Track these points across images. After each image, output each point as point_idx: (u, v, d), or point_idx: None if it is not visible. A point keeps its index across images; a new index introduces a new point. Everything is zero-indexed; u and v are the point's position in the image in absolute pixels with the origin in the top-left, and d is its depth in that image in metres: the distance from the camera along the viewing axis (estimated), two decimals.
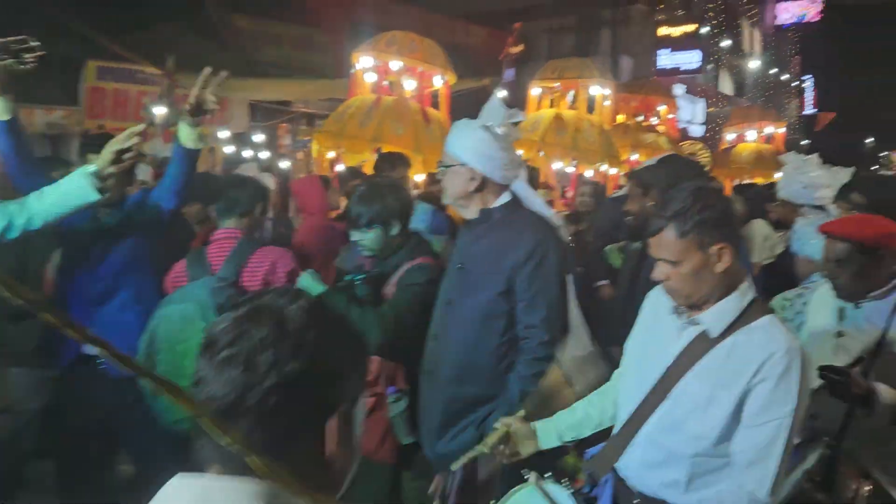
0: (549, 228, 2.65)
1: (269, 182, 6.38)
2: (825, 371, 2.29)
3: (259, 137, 10.92)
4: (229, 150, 10.81)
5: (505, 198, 2.64)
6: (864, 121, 46.52)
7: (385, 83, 7.02)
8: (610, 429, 2.17)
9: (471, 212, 2.68)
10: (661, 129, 9.99)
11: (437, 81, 7.19)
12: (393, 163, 4.85)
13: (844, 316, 2.62)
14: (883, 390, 2.26)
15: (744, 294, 1.86)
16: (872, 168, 28.61)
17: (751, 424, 1.77)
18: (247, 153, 11.14)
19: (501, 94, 11.66)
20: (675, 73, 22.47)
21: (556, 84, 8.23)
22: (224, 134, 10.44)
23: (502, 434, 2.17)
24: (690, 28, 21.91)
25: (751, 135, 11.10)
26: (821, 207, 4.09)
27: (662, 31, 22.20)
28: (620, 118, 10.06)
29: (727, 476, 1.83)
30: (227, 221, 3.09)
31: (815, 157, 3.81)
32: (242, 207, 3.10)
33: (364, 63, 6.96)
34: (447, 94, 7.19)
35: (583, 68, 8.30)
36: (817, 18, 30.98)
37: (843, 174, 4.16)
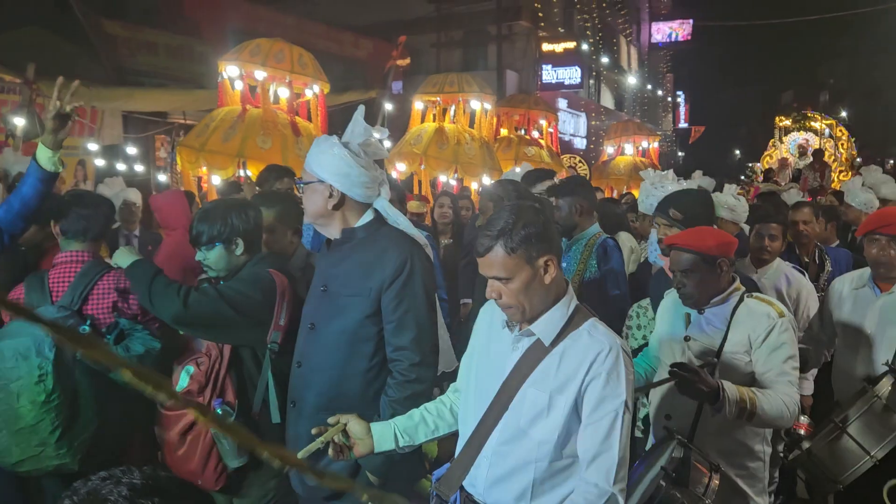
0: (414, 246, 2.60)
1: (135, 197, 6.06)
2: (676, 368, 2.45)
3: (132, 150, 10.38)
4: (100, 163, 10.23)
5: (368, 216, 2.59)
6: (731, 134, 49.85)
7: (255, 92, 6.72)
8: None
9: (332, 231, 2.61)
10: (542, 142, 10.25)
11: (312, 92, 6.98)
12: (279, 174, 4.70)
13: (690, 321, 2.78)
14: (728, 387, 2.43)
15: (568, 302, 1.98)
16: (742, 178, 30.59)
17: (589, 422, 1.88)
18: (120, 166, 10.58)
19: (388, 106, 11.67)
20: (558, 87, 23.23)
21: (437, 98, 8.30)
22: (94, 146, 9.87)
23: (339, 430, 2.12)
24: (571, 45, 22.73)
25: (629, 148, 11.58)
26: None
27: (546, 47, 22.90)
28: (504, 132, 10.25)
29: (573, 476, 1.92)
30: (71, 244, 2.88)
31: (670, 173, 4.01)
32: (89, 229, 2.88)
33: (230, 72, 6.66)
34: (321, 105, 7.00)
35: (462, 83, 8.43)
36: (687, 38, 32.87)
37: (742, 203, 4.45)
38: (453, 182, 7.99)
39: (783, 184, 14.89)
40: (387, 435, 2.15)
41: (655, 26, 33.42)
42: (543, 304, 1.94)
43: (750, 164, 36.12)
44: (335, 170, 2.49)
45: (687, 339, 2.78)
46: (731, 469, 2.59)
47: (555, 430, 1.90)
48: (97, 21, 12.97)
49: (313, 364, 2.56)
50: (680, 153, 40.44)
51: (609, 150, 11.80)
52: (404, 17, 21.45)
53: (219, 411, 2.62)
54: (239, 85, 6.72)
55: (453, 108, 8.31)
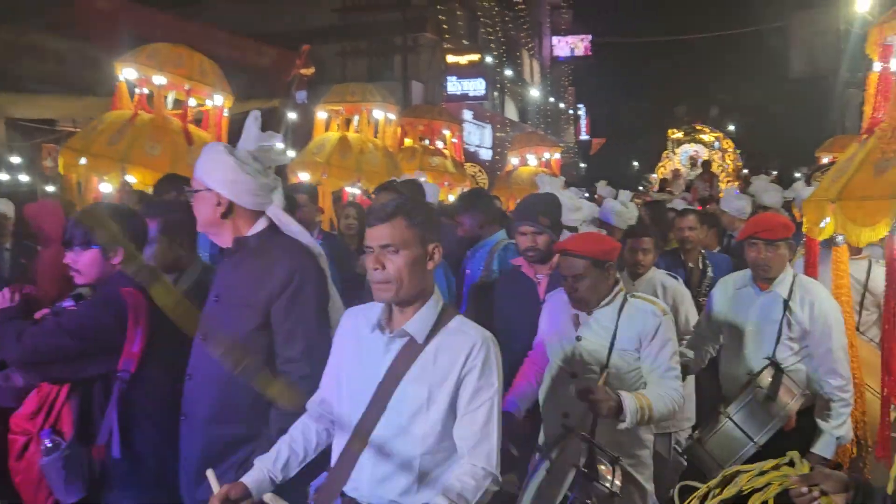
0: (307, 256, 2.58)
1: (6, 209, 5.76)
2: (583, 394, 2.62)
3: (17, 159, 9.84)
4: None
5: (260, 225, 2.56)
6: (630, 146, 51.88)
7: (144, 94, 6.44)
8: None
9: (224, 240, 2.57)
10: (447, 152, 10.39)
11: (216, 100, 6.80)
12: (176, 184, 4.56)
13: (580, 322, 2.97)
14: (628, 400, 2.63)
15: (437, 300, 2.10)
16: (639, 188, 31.92)
17: (467, 411, 2.01)
18: (2, 176, 10.02)
19: (292, 115, 11.55)
20: (463, 99, 23.56)
21: (341, 108, 8.31)
22: None
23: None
24: (475, 57, 23.13)
25: (532, 159, 11.86)
26: (574, 228, 4.48)
27: (451, 58, 23.21)
28: (409, 142, 10.34)
29: (454, 463, 2.04)
30: None
31: (561, 181, 4.21)
32: None
33: (127, 75, 6.40)
34: (219, 114, 6.82)
35: (365, 93, 8.47)
36: (587, 53, 34.06)
37: (586, 203, 4.70)
38: (357, 191, 8.00)
39: (677, 193, 15.68)
40: (263, 482, 2.13)
41: (556, 40, 34.48)
42: (416, 289, 2.03)
43: (647, 175, 37.76)
44: (222, 177, 2.47)
45: (579, 339, 2.96)
46: (625, 459, 2.76)
47: (437, 423, 2.01)
48: None
49: (203, 376, 2.51)
50: (582, 164, 41.78)
51: (513, 160, 12.07)
52: (309, 26, 21.27)
53: (46, 443, 2.44)
54: (136, 88, 6.45)
55: (357, 118, 8.33)
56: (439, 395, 2.02)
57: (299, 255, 2.57)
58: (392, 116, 8.77)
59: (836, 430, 3.24)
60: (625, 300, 2.92)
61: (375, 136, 8.56)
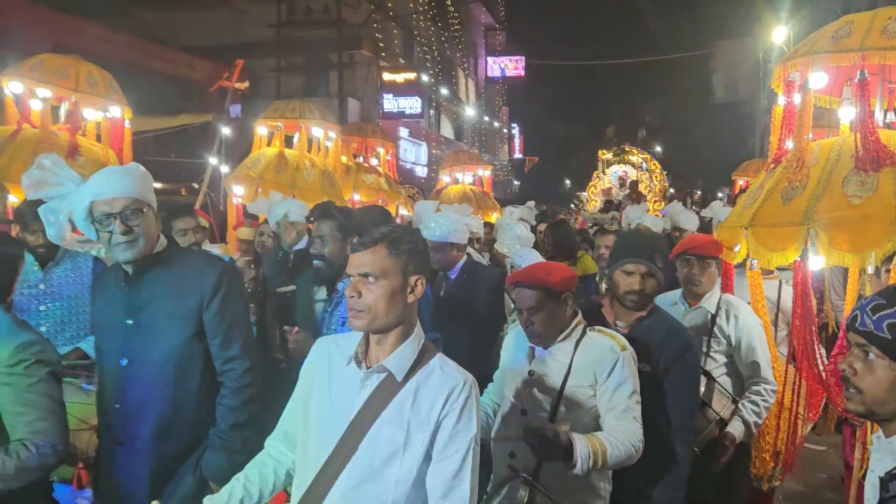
0: (224, 263, 2.72)
1: None
2: (532, 439, 2.42)
3: None
4: None
5: (162, 242, 2.58)
6: (563, 164, 53.06)
7: (29, 108, 6.20)
8: None
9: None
10: (381, 169, 10.39)
11: (113, 112, 6.58)
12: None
13: (534, 356, 2.77)
14: (580, 445, 2.41)
15: (418, 338, 1.96)
16: (570, 206, 32.68)
17: (442, 457, 1.87)
18: None
19: (226, 130, 11.41)
20: (400, 116, 23.74)
21: (279, 124, 8.27)
22: None
23: None
24: (411, 76, 23.35)
25: (467, 177, 12.00)
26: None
27: (387, 76, 23.36)
28: (344, 159, 10.31)
29: None
30: None
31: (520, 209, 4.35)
32: None
33: (13, 88, 6.14)
34: (118, 126, 6.63)
35: (304, 110, 8.43)
36: (520, 74, 34.79)
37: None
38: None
39: (607, 213, 16.17)
40: None
41: (491, 60, 35.09)
42: (392, 321, 1.91)
43: (578, 194, 38.64)
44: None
45: (531, 373, 2.75)
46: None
47: (412, 468, 1.86)
48: None
49: (139, 400, 2.49)
50: (516, 182, 42.49)
51: (445, 178, 12.19)
52: (244, 40, 21.08)
53: None
54: (37, 105, 6.18)
55: (297, 135, 8.33)
56: (417, 438, 1.87)
57: (218, 261, 2.70)
58: (332, 135, 8.78)
59: (749, 414, 3.39)
60: (583, 334, 2.72)
61: (317, 154, 8.56)
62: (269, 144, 8.34)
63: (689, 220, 6.85)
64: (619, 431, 2.53)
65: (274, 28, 22.07)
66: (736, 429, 3.38)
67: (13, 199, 5.59)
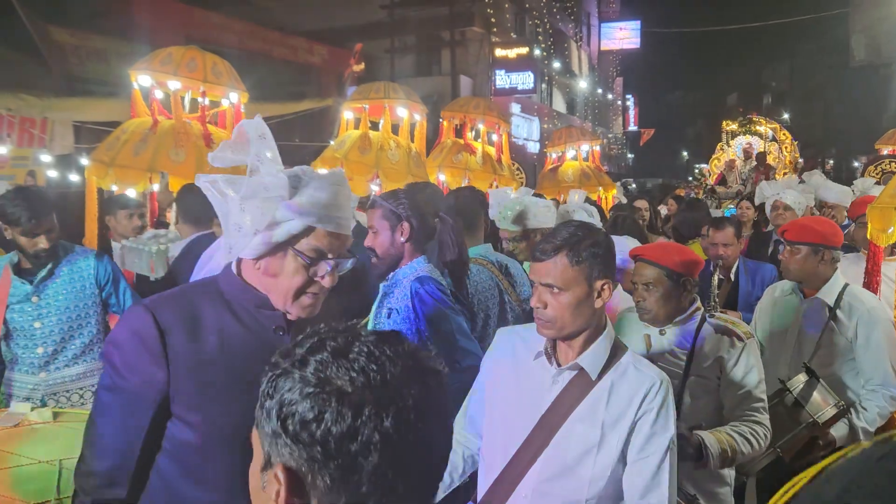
0: None
1: None
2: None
3: (86, 161, 10.20)
4: (53, 174, 10.03)
5: None
6: (680, 136, 51.06)
7: (158, 100, 6.49)
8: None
9: None
10: (478, 146, 10.01)
11: (232, 98, 6.81)
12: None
13: (651, 343, 2.69)
14: (710, 443, 2.34)
15: (610, 334, 1.93)
16: (689, 179, 31.43)
17: (639, 457, 1.84)
18: (74, 177, 10.38)
19: (348, 114, 11.67)
20: (512, 92, 23.50)
21: (365, 105, 8.35)
22: (47, 157, 9.67)
23: None
24: (524, 50, 23.02)
25: (571, 153, 11.70)
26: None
27: (499, 52, 23.14)
28: (448, 140, 10.12)
29: None
30: None
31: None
32: None
33: (142, 82, 6.46)
34: (236, 113, 6.87)
35: (388, 90, 8.45)
36: (636, 46, 33.58)
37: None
38: (375, 188, 8.06)
39: (732, 185, 15.37)
40: None
41: (605, 34, 34.01)
42: (584, 328, 1.88)
43: (698, 166, 37.08)
44: None
45: (650, 360, 2.54)
46: (702, 497, 2.53)
47: (608, 467, 1.84)
48: (44, 28, 12.68)
49: None
50: (630, 155, 41.31)
51: (553, 155, 11.89)
52: (357, 23, 21.47)
53: None
54: (152, 94, 6.49)
55: (382, 119, 8.38)
56: (612, 437, 1.85)
57: None
58: (418, 116, 8.77)
59: (859, 420, 3.01)
60: (702, 320, 2.62)
61: (403, 135, 8.57)
62: (357, 128, 8.42)
63: (840, 194, 5.95)
64: (748, 423, 2.45)
65: (387, 9, 22.30)
66: (839, 432, 2.98)
67: (156, 188, 5.99)
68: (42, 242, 3.09)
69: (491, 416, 2.01)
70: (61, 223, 3.32)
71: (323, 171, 1.57)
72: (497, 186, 9.61)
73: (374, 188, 8.11)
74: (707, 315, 2.66)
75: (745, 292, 4.29)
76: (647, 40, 33.96)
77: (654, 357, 2.63)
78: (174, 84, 6.37)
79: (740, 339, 2.55)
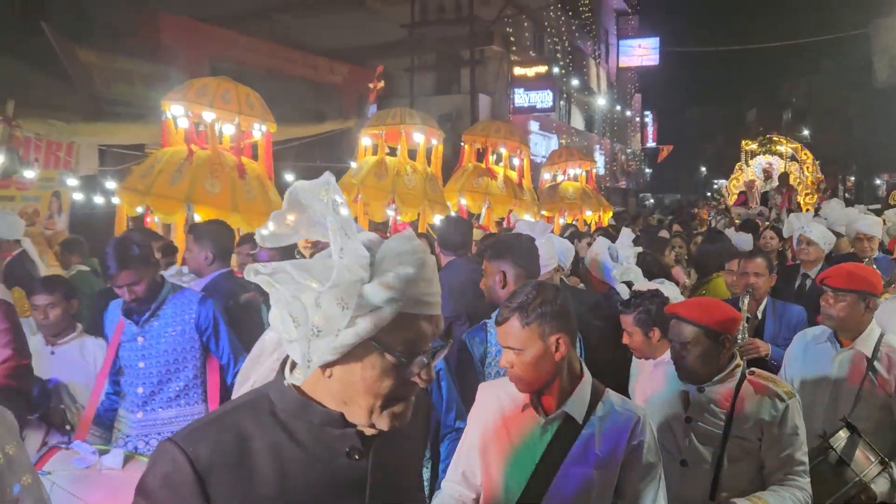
0: None
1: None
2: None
3: (111, 183, 10.33)
4: (78, 196, 10.15)
5: None
6: (698, 151, 50.84)
7: (195, 130, 6.51)
8: None
9: None
10: (500, 171, 10.01)
11: (257, 132, 6.86)
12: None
13: (689, 401, 2.64)
14: None
15: (588, 379, 2.08)
16: (707, 195, 31.24)
17: (635, 490, 2.02)
18: (98, 199, 10.52)
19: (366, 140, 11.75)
20: (531, 111, 23.52)
21: (381, 132, 8.42)
22: (73, 181, 9.83)
23: None
24: (542, 69, 23.06)
25: (571, 171, 11.68)
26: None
27: (517, 71, 23.20)
28: (470, 164, 10.14)
29: None
30: None
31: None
32: None
33: (175, 111, 6.49)
34: (267, 144, 6.92)
35: (404, 115, 8.52)
36: (655, 62, 33.53)
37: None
38: (391, 213, 8.09)
39: (753, 205, 15.22)
40: None
41: (624, 50, 33.97)
42: (548, 380, 2.01)
43: (716, 182, 36.79)
44: None
45: (689, 420, 2.61)
46: None
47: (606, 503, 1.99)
48: (72, 50, 12.86)
49: None
50: (647, 170, 41.17)
51: (546, 175, 11.85)
52: (378, 41, 21.59)
53: None
54: (182, 123, 6.50)
55: (399, 145, 8.44)
56: (606, 474, 1.98)
57: None
58: (435, 141, 8.81)
59: None
60: (742, 377, 2.57)
61: (420, 160, 8.62)
62: (374, 154, 8.47)
63: (874, 226, 5.77)
64: (788, 489, 2.42)
65: (407, 28, 22.43)
66: (881, 487, 2.85)
67: (197, 218, 5.99)
68: (125, 294, 3.14)
69: (488, 472, 2.12)
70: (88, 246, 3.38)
71: (398, 241, 1.24)
72: (514, 211, 9.66)
73: (391, 213, 8.16)
74: (747, 372, 2.61)
75: (771, 333, 4.19)
76: (666, 57, 33.93)
77: (692, 416, 2.61)
78: (209, 115, 6.42)
79: (782, 399, 2.51)
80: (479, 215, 8.92)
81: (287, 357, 1.31)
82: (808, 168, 18.40)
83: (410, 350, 1.22)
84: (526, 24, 24.19)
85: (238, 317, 3.65)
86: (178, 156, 6.33)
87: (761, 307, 4.32)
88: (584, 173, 11.55)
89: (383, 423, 1.26)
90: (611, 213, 11.89)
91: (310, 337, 1.18)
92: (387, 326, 1.19)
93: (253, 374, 1.42)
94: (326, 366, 1.22)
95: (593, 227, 10.27)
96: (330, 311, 1.16)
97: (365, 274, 1.18)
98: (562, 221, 10.61)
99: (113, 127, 10.62)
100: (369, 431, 1.28)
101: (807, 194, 17.03)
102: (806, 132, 37.92)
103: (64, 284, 3.91)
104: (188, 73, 13.75)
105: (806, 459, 2.51)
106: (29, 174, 9.13)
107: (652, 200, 34.93)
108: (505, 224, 9.03)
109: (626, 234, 4.67)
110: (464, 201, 9.44)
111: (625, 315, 3.19)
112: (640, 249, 4.60)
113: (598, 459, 1.98)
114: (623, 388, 3.41)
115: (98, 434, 3.30)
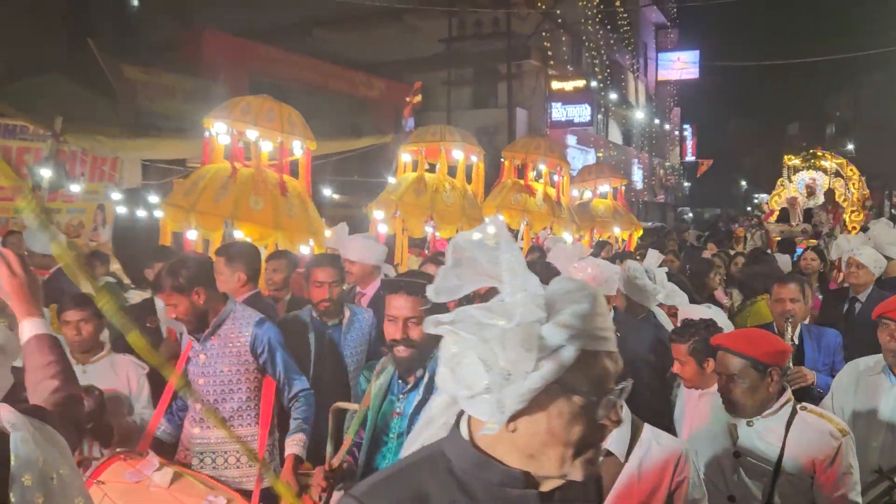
0: None
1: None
2: None
3: (154, 198, 10.52)
4: (122, 210, 10.36)
5: None
6: (737, 165, 50.03)
7: (237, 147, 6.56)
8: None
9: None
10: (539, 187, 9.93)
11: (297, 150, 6.91)
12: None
13: (737, 434, 2.57)
14: None
15: (627, 416, 2.03)
16: (748, 210, 30.68)
17: None
18: (141, 212, 10.71)
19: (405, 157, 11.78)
20: (568, 125, 23.41)
21: (421, 148, 8.42)
22: (117, 195, 10.01)
23: None
24: (580, 83, 22.95)
25: (601, 189, 11.52)
26: None
27: (555, 85, 23.12)
28: (509, 181, 10.09)
29: None
30: None
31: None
32: None
33: (218, 129, 6.55)
34: (307, 162, 6.97)
35: (444, 133, 8.52)
36: (694, 76, 33.18)
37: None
38: (430, 230, 8.07)
39: (794, 223, 14.88)
40: None
41: (663, 64, 33.66)
42: None
43: (756, 196, 36.08)
44: None
45: (737, 454, 2.54)
46: None
47: None
48: (117, 66, 13.18)
49: None
50: (686, 184, 40.63)
51: (574, 192, 11.68)
52: (415, 56, 21.74)
53: None
54: (224, 141, 6.55)
55: (438, 163, 8.43)
56: None
57: None
58: (475, 158, 8.79)
59: None
60: (793, 412, 2.50)
61: (464, 179, 8.60)
62: (414, 170, 8.47)
63: None
64: None
65: (445, 42, 22.54)
66: None
67: (238, 234, 6.04)
68: (169, 311, 3.21)
69: None
70: (130, 259, 3.44)
71: (563, 281, 1.21)
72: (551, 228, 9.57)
73: (429, 230, 8.16)
74: (798, 407, 2.53)
75: (811, 359, 4.05)
76: (705, 69, 33.53)
77: (741, 451, 2.53)
78: (252, 133, 6.51)
79: (836, 437, 2.43)
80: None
81: (461, 413, 1.25)
82: (854, 185, 17.93)
83: (597, 390, 1.16)
84: (563, 38, 24.11)
85: None
86: (221, 173, 6.37)
87: (796, 333, 4.20)
88: (613, 190, 11.42)
89: (577, 473, 1.19)
90: (641, 232, 11.71)
91: (501, 382, 1.12)
92: (571, 367, 1.14)
93: (420, 439, 1.38)
94: (510, 420, 1.16)
95: (620, 245, 10.20)
96: (515, 354, 1.11)
97: (542, 314, 1.14)
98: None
99: (155, 142, 10.82)
100: (553, 484, 1.22)
101: (853, 212, 16.59)
102: (850, 146, 37.08)
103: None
104: (228, 87, 13.99)
105: (860, 500, 2.43)
106: (75, 188, 9.34)
107: (691, 214, 34.48)
108: (535, 241, 8.92)
109: (653, 256, 4.62)
110: (501, 217, 9.37)
111: (678, 344, 3.08)
112: (666, 270, 4.56)
113: (641, 496, 1.95)
114: (662, 416, 3.33)
115: (169, 431, 3.39)
